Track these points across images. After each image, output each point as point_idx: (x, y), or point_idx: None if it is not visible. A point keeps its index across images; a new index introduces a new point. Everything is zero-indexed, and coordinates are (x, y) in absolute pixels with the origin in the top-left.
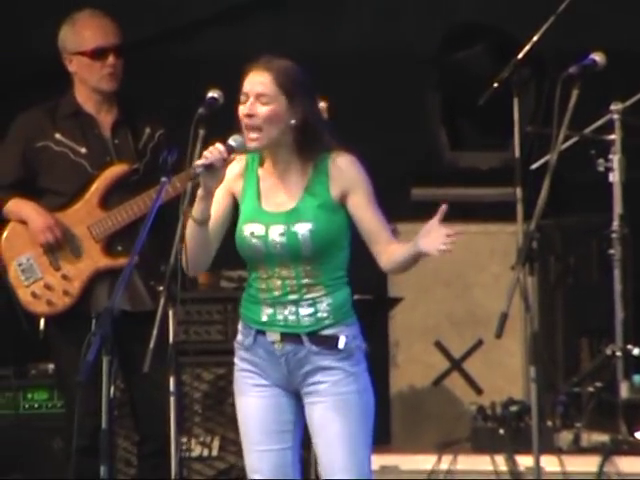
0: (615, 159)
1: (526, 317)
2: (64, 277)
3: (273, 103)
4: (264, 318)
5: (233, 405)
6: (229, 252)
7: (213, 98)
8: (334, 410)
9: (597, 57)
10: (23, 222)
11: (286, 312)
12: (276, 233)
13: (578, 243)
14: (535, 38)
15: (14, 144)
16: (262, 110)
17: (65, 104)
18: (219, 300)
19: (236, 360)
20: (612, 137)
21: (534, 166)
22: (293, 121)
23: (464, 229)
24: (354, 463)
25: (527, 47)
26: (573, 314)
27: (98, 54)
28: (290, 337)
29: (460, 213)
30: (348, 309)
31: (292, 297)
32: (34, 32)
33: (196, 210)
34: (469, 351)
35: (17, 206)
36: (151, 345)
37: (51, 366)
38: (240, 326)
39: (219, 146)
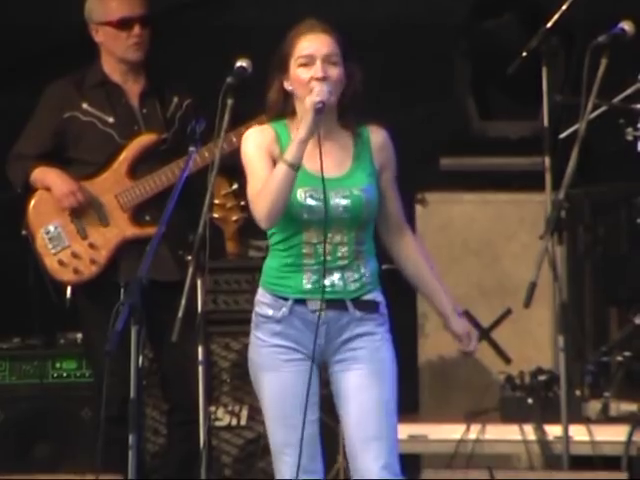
0: None
1: (555, 287)
2: (91, 246)
3: (340, 64)
4: (307, 286)
5: None
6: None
7: (242, 67)
8: (373, 376)
9: (626, 26)
10: (49, 190)
11: (333, 278)
12: (339, 196)
13: (607, 212)
14: (564, 7)
15: (43, 115)
16: (334, 71)
17: (92, 74)
18: (247, 269)
19: (260, 335)
20: None
21: (563, 135)
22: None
23: (493, 198)
24: (388, 430)
25: (556, 16)
26: (602, 284)
27: (124, 24)
28: (334, 304)
29: (489, 182)
30: (378, 275)
31: (341, 263)
32: (64, 1)
33: (293, 154)
34: (498, 320)
35: (42, 173)
36: (179, 314)
37: (79, 335)
38: (265, 299)
39: (324, 86)
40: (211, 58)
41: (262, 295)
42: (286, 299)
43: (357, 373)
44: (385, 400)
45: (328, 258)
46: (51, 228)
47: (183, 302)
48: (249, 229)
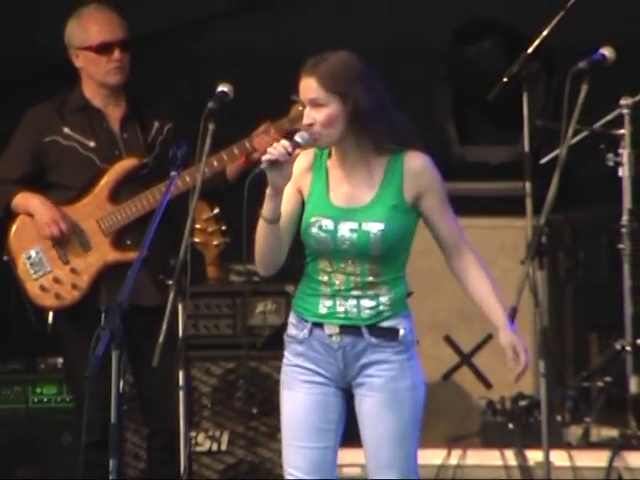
0: (625, 153)
1: (536, 312)
2: (73, 271)
3: (326, 106)
4: (323, 310)
5: (242, 400)
6: (238, 246)
7: (223, 92)
8: (386, 406)
9: (606, 52)
10: (31, 215)
11: (347, 304)
12: (346, 229)
13: (588, 238)
14: (545, 33)
15: (23, 139)
16: (318, 116)
17: (73, 99)
18: (228, 294)
19: (287, 354)
20: (622, 132)
21: (543, 160)
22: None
23: (474, 223)
24: (401, 460)
25: (537, 42)
26: (583, 309)
27: (104, 49)
28: (349, 329)
29: (469, 207)
30: (405, 302)
31: (355, 292)
32: (41, 28)
33: (266, 209)
34: (478, 345)
35: (24, 199)
36: (160, 339)
37: (60, 360)
38: (292, 319)
39: (284, 142)
40: (186, 84)
41: (291, 316)
42: (307, 321)
43: (372, 401)
44: (399, 431)
45: (342, 287)
46: (32, 253)
47: (164, 327)
48: (230, 254)
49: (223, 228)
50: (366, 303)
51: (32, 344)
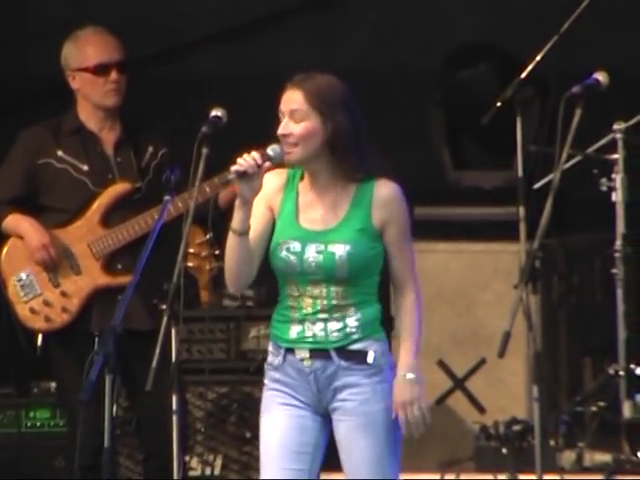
0: (618, 178)
1: (529, 336)
2: (63, 294)
3: (306, 120)
4: (293, 335)
5: (235, 424)
6: None
7: (216, 117)
8: (361, 429)
9: (600, 77)
10: (22, 238)
11: (315, 328)
12: (313, 251)
13: (581, 262)
14: (538, 57)
15: (16, 160)
16: (296, 128)
17: (68, 121)
18: (222, 319)
19: (266, 381)
20: (615, 157)
21: (537, 185)
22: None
23: (467, 248)
24: None
25: (530, 66)
26: (576, 333)
27: (101, 70)
28: (319, 353)
29: (463, 232)
30: (377, 325)
31: (322, 315)
32: (30, 52)
33: (235, 221)
34: (472, 370)
35: (15, 222)
36: (154, 364)
37: (53, 384)
38: (270, 347)
39: (254, 154)
40: (171, 109)
41: (269, 344)
42: (280, 347)
43: (346, 425)
44: (375, 454)
45: (309, 310)
46: (23, 276)
47: (157, 351)
48: (223, 278)
49: (216, 252)
50: (333, 326)
51: (25, 368)
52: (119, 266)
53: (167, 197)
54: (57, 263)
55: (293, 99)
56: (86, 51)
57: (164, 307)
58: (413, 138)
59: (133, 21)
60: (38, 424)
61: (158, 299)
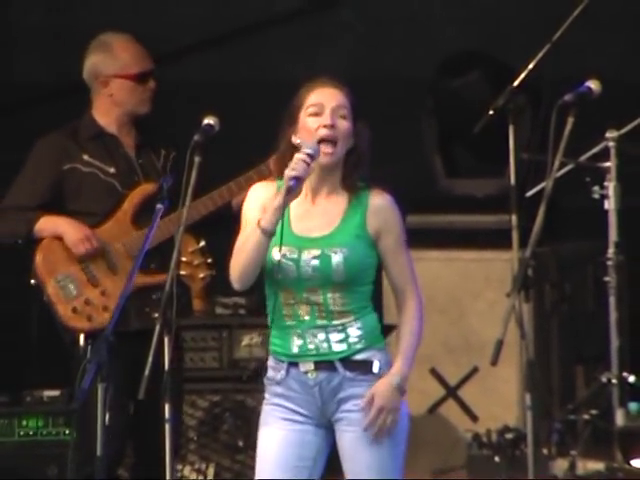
0: (610, 186)
1: (521, 344)
2: (103, 293)
3: (348, 119)
4: (295, 350)
5: (228, 432)
6: (224, 279)
7: (209, 125)
8: (365, 440)
9: (592, 85)
10: (57, 238)
11: (317, 340)
12: (310, 256)
13: (573, 270)
14: (530, 66)
15: (40, 168)
16: (342, 123)
17: (85, 126)
18: (214, 327)
19: (267, 395)
20: (607, 164)
21: (529, 193)
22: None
23: (459, 256)
24: None
25: (523, 75)
26: (568, 341)
27: (142, 78)
28: (323, 365)
29: (455, 240)
30: (378, 334)
31: (320, 322)
32: (15, 59)
33: (269, 221)
34: (464, 378)
35: (50, 222)
36: (146, 372)
37: (46, 393)
38: (271, 362)
39: (301, 157)
40: (158, 116)
41: (270, 359)
42: (283, 362)
43: (350, 436)
44: (379, 464)
45: (306, 318)
46: (62, 276)
47: (150, 360)
48: (216, 286)
49: (209, 261)
50: (335, 337)
51: (17, 376)
52: (152, 265)
53: (159, 205)
54: (95, 258)
55: (337, 96)
56: (124, 58)
57: (156, 315)
58: (405, 146)
59: (119, 29)
60: (31, 433)
61: (150, 308)
